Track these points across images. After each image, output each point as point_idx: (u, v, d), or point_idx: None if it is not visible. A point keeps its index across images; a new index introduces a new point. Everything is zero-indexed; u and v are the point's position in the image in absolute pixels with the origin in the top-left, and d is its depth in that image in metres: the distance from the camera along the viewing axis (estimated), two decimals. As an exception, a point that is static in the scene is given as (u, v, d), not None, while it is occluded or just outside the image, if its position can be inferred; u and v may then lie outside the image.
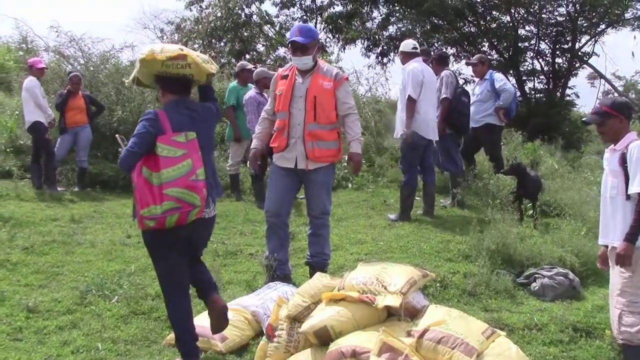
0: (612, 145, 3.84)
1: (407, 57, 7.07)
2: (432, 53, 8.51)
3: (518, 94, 19.25)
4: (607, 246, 3.91)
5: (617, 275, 3.78)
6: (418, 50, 7.20)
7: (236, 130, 8.47)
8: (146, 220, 3.39)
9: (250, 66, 8.92)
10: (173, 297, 3.68)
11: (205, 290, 3.84)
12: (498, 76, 8.21)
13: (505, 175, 7.41)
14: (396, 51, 20.35)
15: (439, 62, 7.74)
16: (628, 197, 3.70)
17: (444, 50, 18.79)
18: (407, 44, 7.19)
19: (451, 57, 20.31)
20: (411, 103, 6.76)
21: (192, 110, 3.65)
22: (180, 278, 3.68)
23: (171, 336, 3.99)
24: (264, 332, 3.93)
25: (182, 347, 3.65)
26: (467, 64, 8.53)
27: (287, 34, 22.68)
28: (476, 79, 8.49)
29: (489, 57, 19.71)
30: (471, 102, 7.96)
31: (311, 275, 4.79)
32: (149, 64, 3.51)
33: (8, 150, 8.73)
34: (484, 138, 8.10)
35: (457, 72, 9.87)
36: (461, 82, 14.67)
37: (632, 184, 3.65)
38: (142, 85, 3.87)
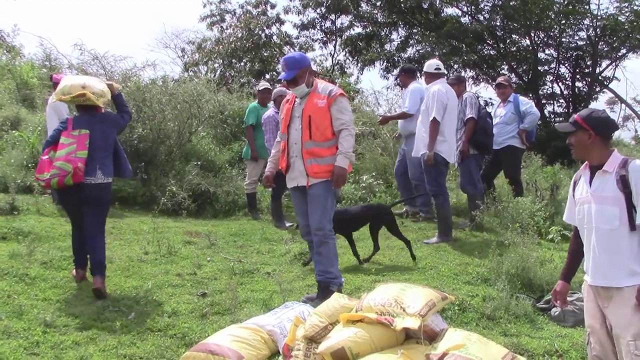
0: (586, 165, 3.45)
1: (430, 77, 7.07)
2: (449, 75, 8.58)
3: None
4: (569, 282, 3.67)
5: (630, 316, 3.18)
6: (442, 71, 7.21)
7: (253, 150, 8.54)
8: (39, 181, 5.44)
9: (265, 86, 9.05)
10: (72, 229, 5.61)
11: (92, 269, 5.30)
12: (523, 99, 8.25)
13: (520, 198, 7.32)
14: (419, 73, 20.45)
15: (457, 84, 7.72)
16: (633, 227, 3.19)
17: (462, 73, 18.85)
18: (431, 65, 7.19)
19: (470, 80, 20.34)
20: (435, 125, 6.76)
21: (92, 117, 5.42)
22: (75, 220, 5.53)
23: (187, 354, 3.98)
24: (280, 351, 3.90)
25: (75, 259, 5.52)
26: (497, 84, 8.47)
27: (307, 55, 23.01)
28: (495, 102, 8.50)
29: (508, 80, 19.78)
30: (493, 124, 7.94)
31: (318, 294, 4.85)
32: (61, 100, 5.61)
33: (30, 165, 8.82)
34: (505, 160, 8.06)
35: (477, 94, 9.94)
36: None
37: (638, 213, 3.17)
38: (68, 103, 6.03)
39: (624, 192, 3.19)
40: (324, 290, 4.83)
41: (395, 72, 21.30)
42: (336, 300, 3.98)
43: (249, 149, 8.68)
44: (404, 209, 8.36)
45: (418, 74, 8.59)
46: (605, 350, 3.31)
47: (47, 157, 5.25)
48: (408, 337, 3.75)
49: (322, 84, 5.07)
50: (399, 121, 8.34)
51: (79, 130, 5.28)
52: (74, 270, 5.54)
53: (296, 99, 5.09)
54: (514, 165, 8.17)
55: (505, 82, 8.46)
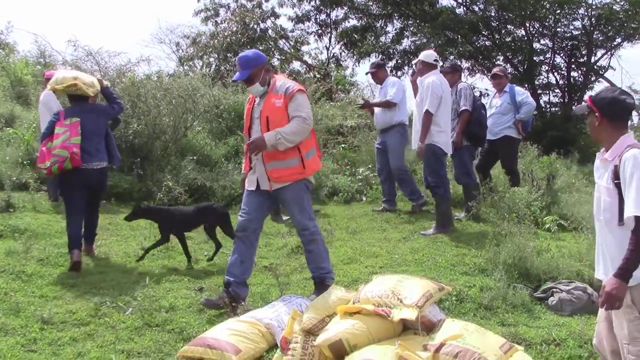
0: (603, 150, 3.15)
1: (426, 67, 7.00)
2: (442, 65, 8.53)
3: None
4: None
5: (621, 317, 3.03)
6: (439, 63, 7.18)
7: None
8: (41, 170, 6.03)
9: None
10: (71, 215, 5.96)
11: (86, 237, 6.16)
12: (519, 89, 8.24)
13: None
14: (410, 65, 20.40)
15: (451, 73, 7.70)
16: (622, 221, 2.97)
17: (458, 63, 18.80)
18: (430, 55, 7.13)
19: (466, 71, 20.32)
20: (428, 117, 6.75)
21: (82, 107, 6.03)
22: (77, 204, 5.98)
23: (185, 349, 3.98)
24: (278, 345, 3.90)
25: (70, 243, 5.84)
26: (493, 75, 8.46)
27: (303, 48, 22.94)
28: (491, 92, 8.48)
29: (503, 70, 19.77)
30: (487, 114, 7.94)
31: (315, 290, 4.83)
32: (55, 90, 6.12)
33: (25, 162, 8.79)
34: (502, 150, 8.07)
35: (472, 85, 9.88)
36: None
37: (626, 206, 2.91)
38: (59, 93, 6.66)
39: (615, 184, 2.99)
40: (320, 286, 4.78)
41: (391, 64, 21.28)
42: (333, 292, 3.98)
43: None
44: (382, 207, 8.32)
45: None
46: (600, 342, 3.28)
47: (45, 147, 5.78)
48: (405, 328, 3.75)
49: (280, 82, 4.81)
50: (377, 114, 8.26)
51: (70, 119, 5.85)
52: (75, 254, 5.75)
53: (255, 99, 4.92)
54: (511, 155, 8.18)
55: (500, 72, 8.46)
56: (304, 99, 4.76)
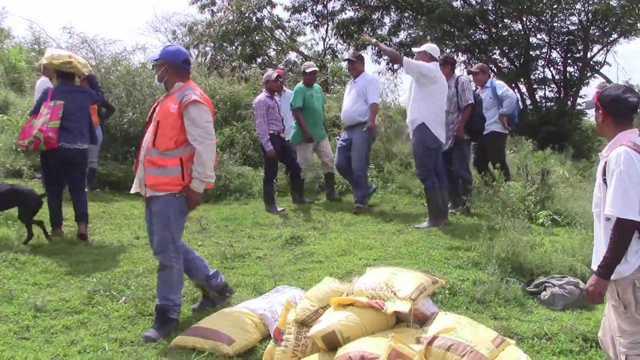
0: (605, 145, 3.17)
1: (427, 60, 6.93)
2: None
3: (528, 102, 19.24)
4: None
5: (611, 311, 3.12)
6: (438, 60, 7.16)
7: (306, 131, 8.36)
8: (21, 147, 6.65)
9: (313, 68, 8.75)
10: (49, 191, 6.33)
11: (77, 218, 6.38)
12: (499, 83, 8.26)
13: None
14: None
15: (442, 65, 7.65)
16: (607, 217, 3.00)
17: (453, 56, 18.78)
18: (436, 49, 7.10)
19: (462, 65, 20.32)
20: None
21: (67, 89, 6.28)
22: (54, 183, 6.36)
23: (178, 338, 3.99)
24: (272, 335, 3.91)
25: (51, 221, 6.36)
26: (469, 72, 8.48)
27: (299, 39, 22.86)
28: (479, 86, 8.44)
29: (499, 64, 19.77)
30: None
31: (155, 318, 4.32)
32: (50, 64, 6.30)
33: (19, 149, 8.76)
34: (489, 146, 8.09)
35: (469, 78, 9.83)
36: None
37: (607, 202, 2.97)
38: (48, 71, 7.27)
39: (603, 179, 3.03)
40: (162, 316, 4.26)
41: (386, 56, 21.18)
42: (327, 284, 3.99)
43: (298, 133, 8.47)
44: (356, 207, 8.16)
45: None
46: (605, 335, 3.29)
47: (29, 124, 6.15)
48: (399, 320, 3.76)
49: (185, 89, 4.28)
50: (346, 110, 8.05)
51: (55, 101, 6.12)
52: (53, 231, 6.29)
53: (161, 100, 4.46)
54: (498, 150, 8.18)
55: (477, 68, 8.49)
56: (198, 113, 4.19)
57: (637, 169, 2.92)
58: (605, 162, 3.02)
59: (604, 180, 3.02)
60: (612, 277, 3.01)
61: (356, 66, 8.14)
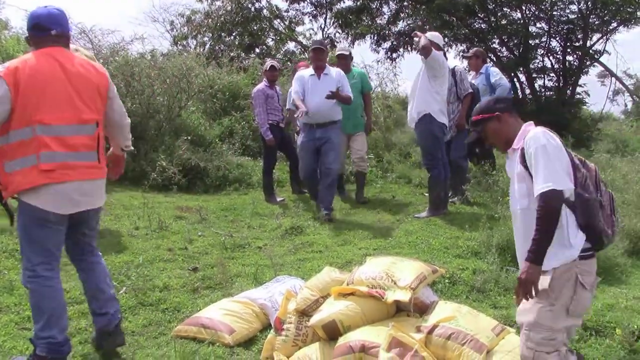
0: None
1: (435, 49, 6.85)
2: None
3: (527, 91, 19.19)
4: None
5: (531, 303, 2.89)
6: (443, 50, 7.13)
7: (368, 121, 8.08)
8: None
9: (342, 51, 8.25)
10: None
11: None
12: (493, 70, 8.20)
13: None
14: (406, 47, 20.30)
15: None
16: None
17: (452, 47, 18.75)
18: (440, 38, 7.11)
19: (461, 54, 20.24)
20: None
21: None
22: None
23: (178, 328, 4.01)
24: (272, 325, 3.92)
25: None
26: (463, 57, 8.48)
27: (297, 29, 22.76)
28: (471, 72, 8.40)
29: (499, 54, 19.70)
30: None
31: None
32: None
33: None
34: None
35: (466, 68, 9.72)
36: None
37: (535, 184, 2.80)
38: None
39: (524, 167, 2.90)
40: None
41: (385, 45, 21.14)
42: (327, 274, 3.99)
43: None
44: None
45: None
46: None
47: None
48: (399, 309, 3.77)
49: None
50: (320, 105, 6.97)
51: None
52: None
53: None
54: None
55: (471, 53, 8.49)
56: None
57: (557, 141, 2.90)
58: (522, 150, 2.91)
59: (525, 167, 2.88)
60: (553, 265, 2.85)
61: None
